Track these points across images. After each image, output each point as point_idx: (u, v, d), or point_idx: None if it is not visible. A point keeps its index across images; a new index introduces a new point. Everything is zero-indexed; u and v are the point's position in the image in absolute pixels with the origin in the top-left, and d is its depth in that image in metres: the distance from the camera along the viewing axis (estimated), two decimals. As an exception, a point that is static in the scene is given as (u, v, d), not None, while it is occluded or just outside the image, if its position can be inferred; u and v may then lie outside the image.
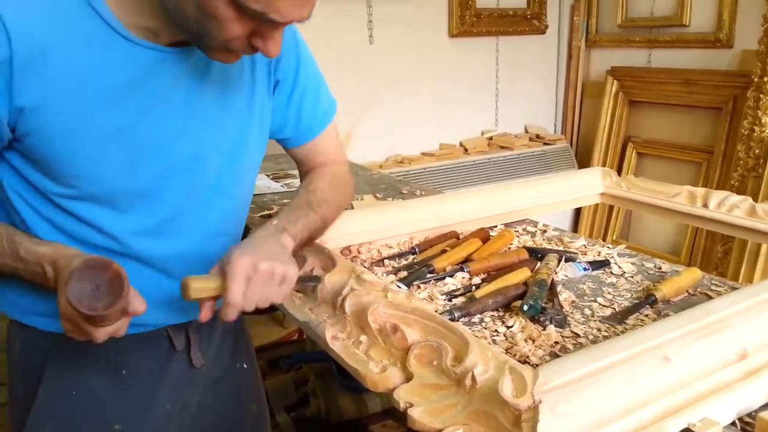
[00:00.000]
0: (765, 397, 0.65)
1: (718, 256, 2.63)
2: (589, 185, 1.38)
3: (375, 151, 2.92)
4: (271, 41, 0.73)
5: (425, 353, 0.69)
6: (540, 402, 0.55)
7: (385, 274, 1.00)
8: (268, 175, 1.71)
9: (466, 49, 3.06)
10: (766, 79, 2.40)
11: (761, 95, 2.43)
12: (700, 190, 1.23)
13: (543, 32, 3.26)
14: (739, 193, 1.31)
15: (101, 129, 0.75)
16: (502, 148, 3.20)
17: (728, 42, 2.65)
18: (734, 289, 0.95)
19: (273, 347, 2.18)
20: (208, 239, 0.88)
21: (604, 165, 3.24)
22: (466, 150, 3.14)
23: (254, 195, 1.49)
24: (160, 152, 0.79)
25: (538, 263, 1.01)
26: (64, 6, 0.72)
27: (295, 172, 1.76)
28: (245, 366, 1.04)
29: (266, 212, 1.37)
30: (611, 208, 3.20)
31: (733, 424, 0.62)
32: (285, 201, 1.46)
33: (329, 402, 1.62)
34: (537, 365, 0.65)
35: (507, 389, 0.58)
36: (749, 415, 0.63)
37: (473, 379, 0.61)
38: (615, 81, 3.17)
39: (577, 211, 3.34)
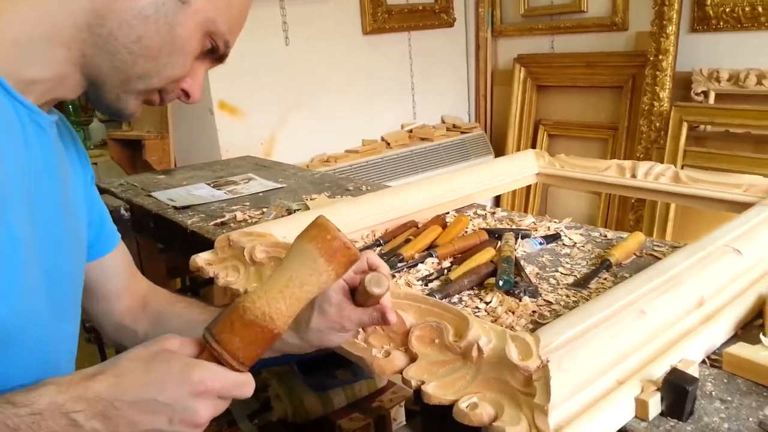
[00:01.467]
0: (725, 335, 0.74)
1: (631, 224, 2.84)
2: (525, 167, 1.47)
3: (300, 152, 2.93)
4: (200, 83, 0.71)
5: (425, 334, 0.73)
6: (548, 361, 0.60)
7: (357, 268, 1.03)
8: (208, 184, 1.69)
9: (380, 45, 3.12)
10: (660, 57, 2.60)
11: (657, 72, 2.63)
12: (627, 163, 1.34)
13: (451, 25, 3.38)
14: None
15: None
16: (422, 139, 3.30)
17: (623, 25, 2.85)
18: (674, 247, 1.05)
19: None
20: None
21: (518, 149, 3.40)
22: (388, 144, 3.21)
23: (200, 204, 1.50)
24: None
25: (498, 242, 1.07)
26: None
27: (235, 177, 1.77)
28: None
29: (219, 220, 1.36)
30: (528, 187, 3.36)
31: (703, 362, 0.71)
32: (234, 207, 1.46)
33: (295, 403, 1.63)
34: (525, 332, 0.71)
35: (514, 354, 0.63)
36: (714, 352, 0.72)
37: (479, 350, 0.66)
38: (522, 68, 3.33)
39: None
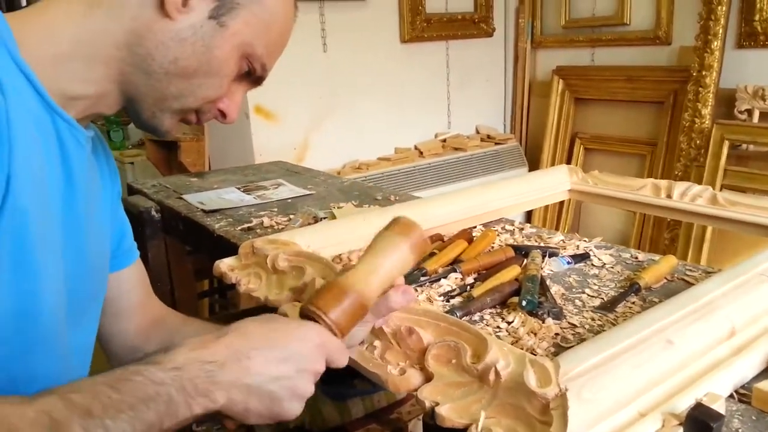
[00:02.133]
0: (756, 369, 0.71)
1: (665, 243, 2.77)
2: (557, 183, 1.44)
3: (332, 158, 2.94)
4: (237, 104, 0.73)
5: (443, 353, 0.72)
6: (567, 390, 0.58)
7: (380, 280, 1.02)
8: (238, 188, 1.71)
9: (418, 53, 3.12)
10: (704, 73, 2.54)
11: (700, 88, 2.57)
12: (662, 182, 1.30)
13: (490, 35, 3.36)
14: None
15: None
16: (456, 149, 3.28)
17: (667, 39, 2.79)
18: (707, 273, 1.02)
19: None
20: None
21: (553, 162, 3.36)
22: (421, 153, 3.20)
23: (228, 208, 1.51)
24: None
25: (525, 260, 1.05)
26: None
27: (266, 183, 1.78)
28: None
29: (246, 225, 1.37)
30: (561, 203, 3.31)
31: (731, 396, 0.68)
32: (261, 213, 1.46)
33: (313, 411, 1.62)
34: (545, 357, 0.69)
35: (532, 381, 0.61)
36: (744, 386, 0.69)
37: (497, 373, 0.64)
38: (561, 80, 3.28)
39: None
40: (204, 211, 1.49)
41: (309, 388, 0.60)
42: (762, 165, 2.44)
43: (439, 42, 3.19)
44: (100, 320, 0.84)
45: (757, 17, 2.41)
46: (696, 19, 2.55)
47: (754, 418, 0.64)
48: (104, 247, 0.80)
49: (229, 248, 1.28)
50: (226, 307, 2.74)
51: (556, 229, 3.35)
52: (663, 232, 2.78)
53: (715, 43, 2.50)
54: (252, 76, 0.72)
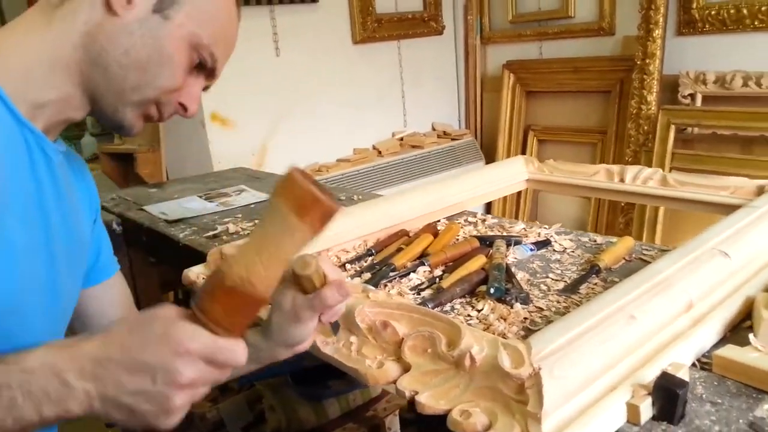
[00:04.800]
0: (714, 338, 0.75)
1: (621, 226, 2.86)
2: (514, 173, 1.48)
3: (292, 161, 2.92)
4: (195, 98, 0.76)
5: (418, 343, 0.73)
6: (540, 369, 0.61)
7: (350, 278, 1.04)
8: (200, 196, 1.69)
9: (370, 54, 3.14)
10: (647, 61, 2.63)
11: (644, 76, 2.66)
12: (615, 167, 1.35)
13: (440, 33, 3.40)
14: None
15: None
16: (413, 147, 3.31)
17: (610, 30, 2.88)
18: (662, 251, 1.06)
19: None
20: None
21: (508, 154, 3.42)
22: (379, 152, 3.22)
23: (192, 217, 1.50)
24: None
25: (490, 250, 1.08)
26: None
27: (228, 189, 1.77)
28: None
29: (211, 233, 1.36)
30: (519, 193, 3.38)
31: (693, 364, 0.71)
32: (226, 220, 1.46)
33: (289, 414, 1.62)
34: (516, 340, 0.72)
35: (506, 362, 0.63)
36: (704, 355, 0.73)
37: (472, 358, 0.67)
38: (511, 74, 3.35)
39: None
40: (167, 221, 1.48)
41: (175, 403, 0.54)
42: (707, 146, 2.54)
43: (391, 42, 3.22)
44: None
45: (694, 5, 2.51)
46: (637, 9, 2.64)
47: (715, 383, 0.67)
48: (80, 257, 0.80)
49: (196, 257, 1.28)
50: (192, 318, 2.70)
51: (516, 218, 3.42)
52: (618, 216, 2.87)
53: (657, 32, 2.59)
54: (205, 68, 0.74)
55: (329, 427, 1.64)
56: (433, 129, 3.55)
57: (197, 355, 0.54)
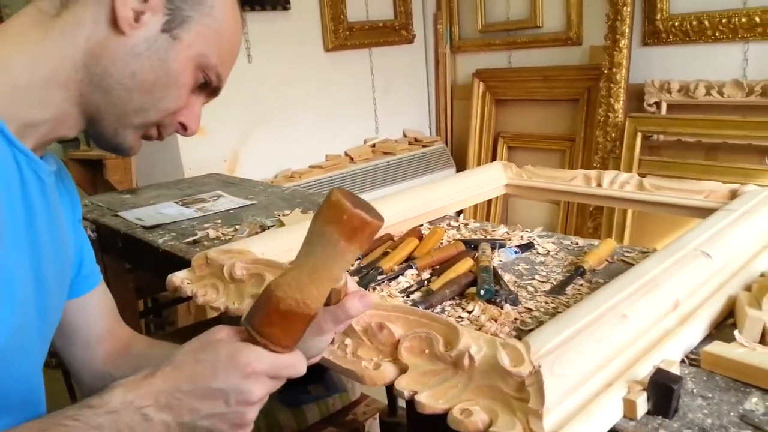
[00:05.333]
0: (700, 335, 0.77)
1: (590, 231, 2.92)
2: (494, 178, 1.50)
3: (264, 168, 2.92)
4: (196, 116, 0.74)
5: (415, 344, 0.74)
6: (540, 366, 0.62)
7: (337, 282, 1.04)
8: (176, 202, 1.67)
9: (342, 61, 3.15)
10: (614, 70, 2.70)
11: (611, 85, 2.73)
12: (592, 172, 1.38)
13: (411, 41, 3.44)
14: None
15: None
16: (385, 153, 3.33)
17: (578, 39, 2.95)
18: (643, 253, 1.09)
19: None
20: None
21: (479, 161, 3.47)
22: (351, 159, 3.23)
23: (170, 223, 1.48)
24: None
25: (475, 253, 1.09)
26: None
27: (204, 195, 1.75)
28: None
29: (191, 238, 1.35)
30: (489, 200, 3.42)
31: (682, 361, 0.73)
32: (205, 225, 1.44)
33: (269, 420, 1.61)
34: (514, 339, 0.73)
35: (506, 361, 0.64)
36: (692, 351, 0.75)
37: (471, 358, 0.67)
38: (481, 82, 3.40)
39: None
40: (144, 227, 1.46)
41: (248, 417, 0.58)
42: (672, 153, 2.61)
43: (363, 49, 3.24)
44: (70, 351, 0.84)
45: (659, 16, 2.59)
46: (604, 20, 2.71)
47: (705, 378, 0.70)
48: (66, 273, 0.78)
49: (176, 262, 1.26)
50: (161, 326, 2.66)
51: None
52: (586, 221, 2.93)
53: (623, 42, 2.66)
54: (208, 87, 0.73)
55: (309, 432, 1.63)
56: (405, 136, 3.58)
57: (264, 374, 0.57)
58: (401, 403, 1.66)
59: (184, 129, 0.73)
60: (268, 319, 0.58)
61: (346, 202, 0.55)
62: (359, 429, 1.65)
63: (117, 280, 1.63)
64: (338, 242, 0.56)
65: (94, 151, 2.46)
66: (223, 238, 1.34)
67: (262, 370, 0.57)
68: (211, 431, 0.57)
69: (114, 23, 0.63)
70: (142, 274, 1.72)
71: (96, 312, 0.86)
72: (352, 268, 1.11)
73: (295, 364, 0.60)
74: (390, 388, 1.66)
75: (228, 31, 0.71)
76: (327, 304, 0.65)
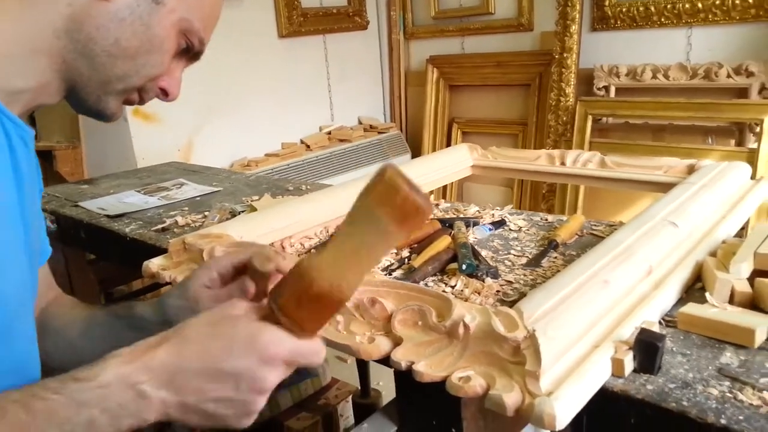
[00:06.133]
0: (673, 298, 0.82)
1: (543, 211, 2.99)
2: (460, 160, 1.53)
3: (219, 157, 2.88)
4: (177, 81, 0.73)
5: (408, 317, 0.76)
6: (535, 330, 0.65)
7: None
8: (138, 191, 1.64)
9: (297, 48, 3.12)
10: (565, 55, 2.77)
11: (562, 69, 2.80)
12: (555, 152, 1.43)
13: (365, 28, 3.43)
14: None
15: None
16: (341, 141, 3.33)
17: (529, 26, 3.01)
18: (609, 226, 1.14)
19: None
20: None
21: (434, 147, 3.50)
22: (307, 146, 3.22)
23: (134, 212, 1.45)
24: None
25: (451, 231, 1.12)
26: None
27: (166, 183, 1.72)
28: None
29: (159, 226, 1.33)
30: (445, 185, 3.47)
31: (659, 323, 0.78)
32: (172, 213, 1.42)
33: (242, 408, 1.61)
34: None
35: (500, 327, 0.67)
36: (667, 314, 0.79)
37: (466, 327, 0.70)
38: (435, 69, 3.43)
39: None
40: (108, 216, 1.42)
41: (257, 406, 0.54)
42: (621, 135, 2.71)
43: (317, 36, 3.22)
44: None
45: (607, 2, 2.67)
46: (554, 6, 2.78)
47: (682, 337, 0.74)
48: (40, 244, 0.77)
49: (145, 251, 1.24)
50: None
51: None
52: (539, 202, 3.01)
53: (573, 27, 2.74)
54: (190, 51, 0.72)
55: (282, 418, 1.63)
56: (360, 123, 3.58)
57: (282, 361, 0.53)
58: (373, 384, 1.69)
59: (165, 94, 0.73)
60: (296, 301, 0.53)
61: (402, 183, 0.48)
62: (332, 412, 1.66)
63: (78, 272, 1.59)
64: (388, 226, 0.49)
65: (43, 141, 2.37)
66: (193, 225, 1.33)
67: (281, 356, 0.53)
68: (212, 416, 0.53)
69: None
70: (104, 265, 1.68)
71: (48, 283, 0.86)
72: (330, 249, 1.11)
73: (317, 352, 0.55)
74: (363, 370, 1.68)
75: None
76: (255, 281, 0.67)
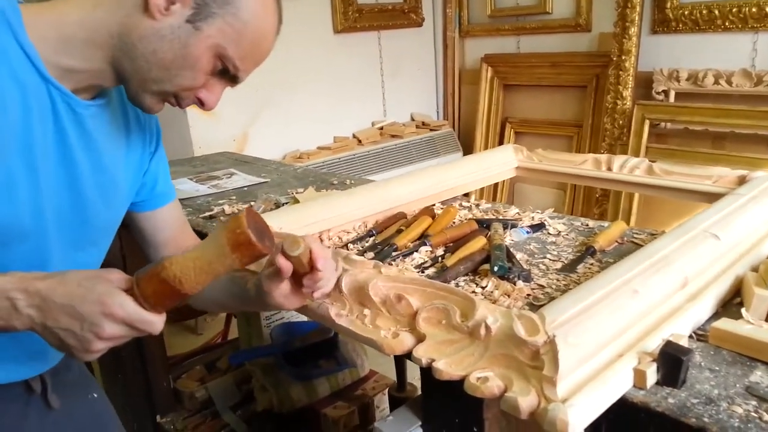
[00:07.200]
0: (708, 312, 0.80)
1: (595, 217, 2.94)
2: (505, 161, 1.52)
3: (273, 149, 2.94)
4: (216, 96, 0.83)
5: (432, 315, 0.77)
6: (554, 336, 0.65)
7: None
8: (191, 179, 1.70)
9: (351, 44, 3.15)
10: (623, 58, 2.70)
11: (620, 72, 2.73)
12: (602, 156, 1.40)
13: (420, 25, 3.43)
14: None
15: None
16: (393, 136, 3.34)
17: (587, 26, 2.95)
18: (652, 235, 1.12)
19: (195, 354, 2.13)
20: None
21: (486, 146, 3.48)
22: (359, 141, 3.25)
23: (185, 198, 1.50)
24: (40, 196, 0.80)
25: (488, 232, 1.12)
26: None
27: (217, 173, 1.77)
28: (95, 395, 1.08)
29: (207, 213, 1.37)
30: (496, 184, 3.44)
31: (690, 336, 0.76)
32: (221, 201, 1.47)
33: (281, 394, 1.65)
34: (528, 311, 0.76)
35: (521, 331, 0.67)
36: (700, 328, 0.78)
37: (487, 328, 0.70)
38: (489, 67, 3.40)
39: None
40: (160, 202, 1.48)
41: (94, 346, 0.69)
42: (679, 141, 2.63)
43: (371, 32, 3.24)
44: (146, 252, 1.01)
45: (669, 5, 2.59)
46: (614, 7, 2.71)
47: (712, 353, 0.72)
48: (113, 192, 0.89)
49: (193, 237, 1.29)
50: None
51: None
52: (592, 207, 2.95)
53: (632, 29, 2.66)
54: (228, 73, 0.81)
55: (319, 406, 1.67)
56: (412, 119, 3.59)
57: (120, 319, 0.68)
58: (410, 378, 1.70)
59: (201, 104, 0.83)
60: (149, 279, 0.68)
61: (244, 221, 0.65)
62: (368, 403, 1.69)
63: (134, 254, 1.65)
64: (224, 247, 0.66)
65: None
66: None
67: (119, 316, 0.67)
68: (62, 342, 0.69)
69: (146, 8, 0.75)
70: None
71: (162, 223, 1.00)
72: (366, 244, 1.14)
73: (153, 322, 0.69)
74: (400, 364, 1.70)
75: (252, 33, 0.79)
76: (296, 271, 0.75)
